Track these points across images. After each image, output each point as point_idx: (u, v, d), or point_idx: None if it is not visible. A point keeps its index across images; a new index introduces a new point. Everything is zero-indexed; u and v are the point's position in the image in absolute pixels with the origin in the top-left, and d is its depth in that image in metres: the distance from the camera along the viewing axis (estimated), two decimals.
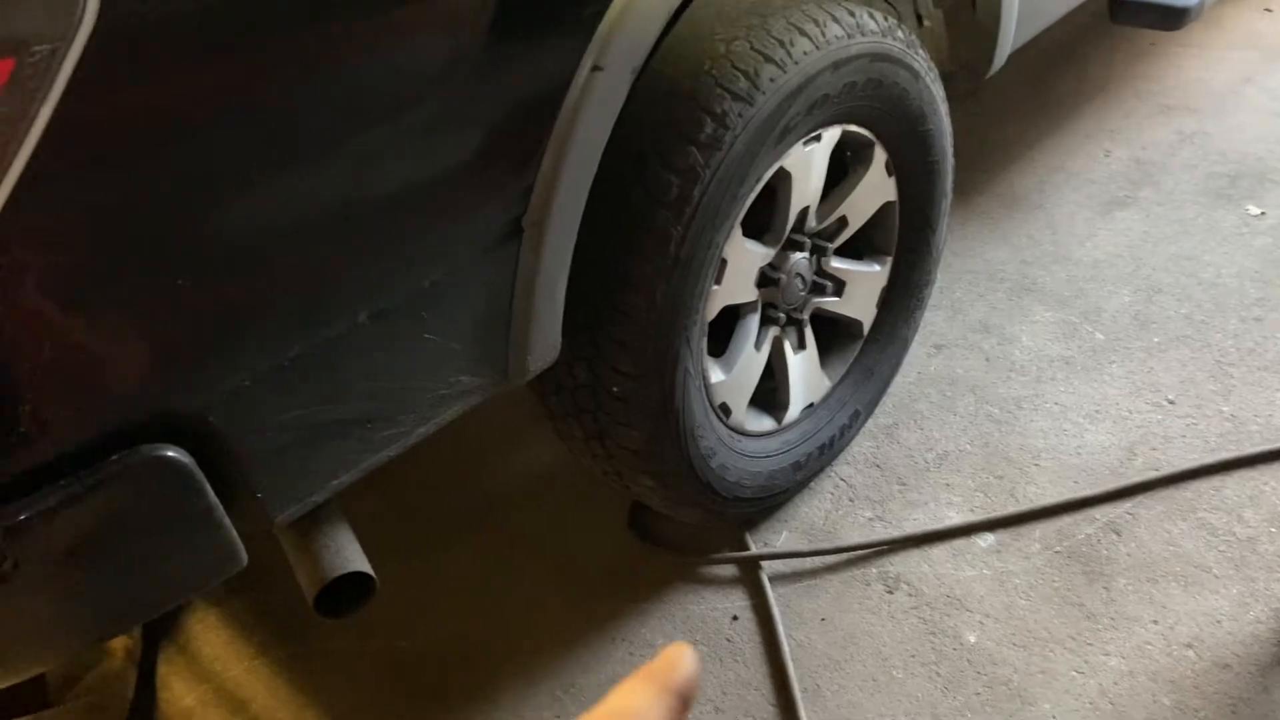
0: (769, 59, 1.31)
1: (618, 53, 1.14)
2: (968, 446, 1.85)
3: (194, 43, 0.83)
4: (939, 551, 1.69)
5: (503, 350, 1.21)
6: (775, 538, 1.76)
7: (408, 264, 1.06)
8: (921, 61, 1.56)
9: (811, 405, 1.75)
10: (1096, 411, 1.88)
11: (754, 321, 1.58)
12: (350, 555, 1.17)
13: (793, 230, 1.55)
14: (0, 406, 0.83)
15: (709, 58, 1.30)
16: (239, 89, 0.87)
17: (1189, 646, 1.50)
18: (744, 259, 1.48)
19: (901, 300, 1.82)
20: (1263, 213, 2.30)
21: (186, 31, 0.82)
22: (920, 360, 2.03)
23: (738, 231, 1.43)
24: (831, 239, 1.64)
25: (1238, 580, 1.57)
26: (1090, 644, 1.52)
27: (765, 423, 1.69)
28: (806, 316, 1.66)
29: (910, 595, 1.63)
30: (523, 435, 2.01)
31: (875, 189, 1.65)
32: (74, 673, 1.65)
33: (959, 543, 1.70)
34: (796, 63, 1.33)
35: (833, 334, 1.78)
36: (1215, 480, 1.73)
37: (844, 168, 1.61)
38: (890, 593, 1.64)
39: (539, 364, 1.26)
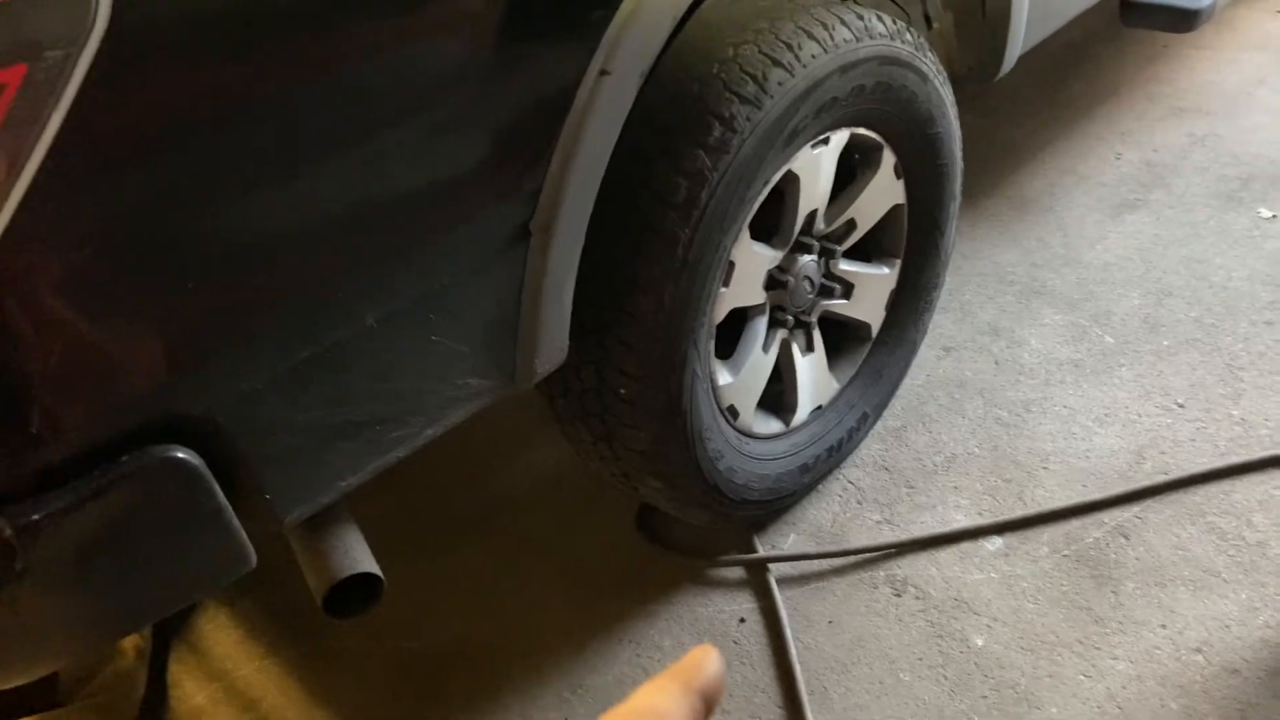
0: (777, 63, 1.31)
1: (626, 56, 1.14)
2: (976, 449, 1.85)
3: (204, 47, 0.84)
4: (947, 554, 1.69)
5: (510, 353, 1.22)
6: (783, 540, 1.76)
7: (416, 267, 1.07)
8: (930, 64, 1.56)
9: (820, 408, 1.75)
10: (1105, 415, 1.88)
11: (762, 324, 1.58)
12: (359, 556, 1.18)
13: (801, 233, 1.55)
14: (13, 408, 0.84)
15: (717, 61, 1.30)
16: (249, 93, 0.88)
17: (1198, 651, 1.50)
18: (752, 262, 1.48)
19: (910, 303, 1.82)
20: (1274, 215, 2.29)
21: (196, 36, 0.83)
22: (929, 363, 2.03)
23: (745, 234, 1.43)
24: (840, 242, 1.64)
25: (1247, 585, 1.57)
26: (1098, 648, 1.52)
27: (773, 425, 1.69)
28: (815, 319, 1.66)
29: (918, 598, 1.63)
30: (530, 438, 2.02)
31: (884, 192, 1.65)
32: (85, 671, 1.67)
33: (967, 546, 1.69)
34: (805, 66, 1.33)
35: (841, 336, 1.78)
36: (1225, 484, 1.72)
37: (852, 170, 1.61)
38: (898, 595, 1.64)
39: (546, 366, 1.27)
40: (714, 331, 1.47)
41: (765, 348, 1.59)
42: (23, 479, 0.86)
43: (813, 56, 1.34)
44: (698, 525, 1.72)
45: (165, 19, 0.80)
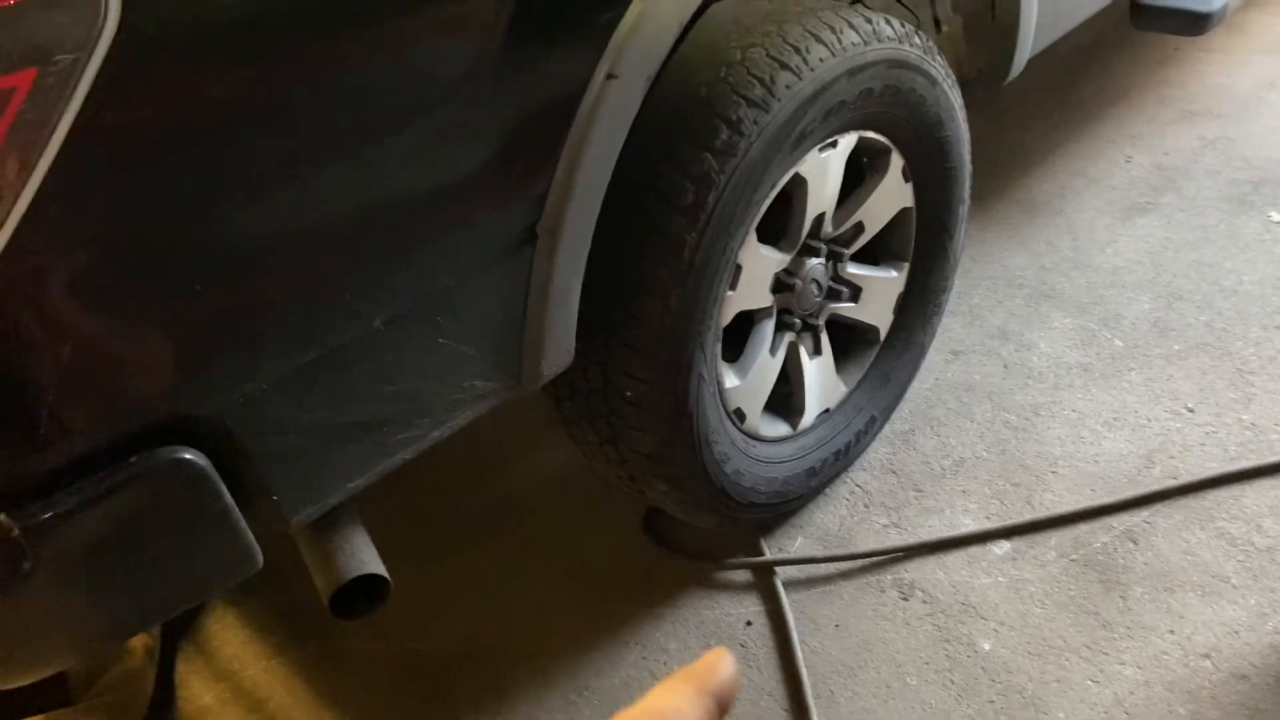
0: (785, 66, 1.31)
1: (632, 60, 1.14)
2: (984, 453, 1.85)
3: (213, 51, 0.84)
4: (954, 559, 1.68)
5: (516, 355, 1.22)
6: (790, 543, 1.76)
7: (423, 270, 1.07)
8: (939, 67, 1.56)
9: (827, 411, 1.75)
10: (1115, 419, 1.87)
11: (769, 327, 1.58)
12: (365, 557, 1.18)
13: (808, 236, 1.55)
14: (21, 409, 0.84)
15: (724, 65, 1.30)
16: (258, 97, 0.89)
17: (1206, 657, 1.49)
18: (759, 264, 1.48)
19: (918, 306, 1.81)
20: None
21: (204, 41, 0.83)
22: (937, 366, 2.03)
23: (753, 237, 1.43)
24: (848, 245, 1.63)
25: (1256, 590, 1.56)
26: (1106, 653, 1.51)
27: (780, 428, 1.69)
28: (822, 322, 1.66)
29: (925, 602, 1.62)
30: (537, 440, 2.02)
31: (892, 195, 1.64)
32: (94, 671, 1.67)
33: (974, 550, 1.69)
34: (812, 69, 1.33)
35: (849, 340, 1.78)
36: (1234, 489, 1.71)
37: (860, 174, 1.61)
38: (905, 599, 1.64)
39: (553, 369, 1.27)
40: (721, 334, 1.47)
41: (772, 351, 1.59)
42: (31, 480, 0.87)
43: (820, 60, 1.34)
44: (704, 528, 1.72)
45: (174, 23, 0.81)
